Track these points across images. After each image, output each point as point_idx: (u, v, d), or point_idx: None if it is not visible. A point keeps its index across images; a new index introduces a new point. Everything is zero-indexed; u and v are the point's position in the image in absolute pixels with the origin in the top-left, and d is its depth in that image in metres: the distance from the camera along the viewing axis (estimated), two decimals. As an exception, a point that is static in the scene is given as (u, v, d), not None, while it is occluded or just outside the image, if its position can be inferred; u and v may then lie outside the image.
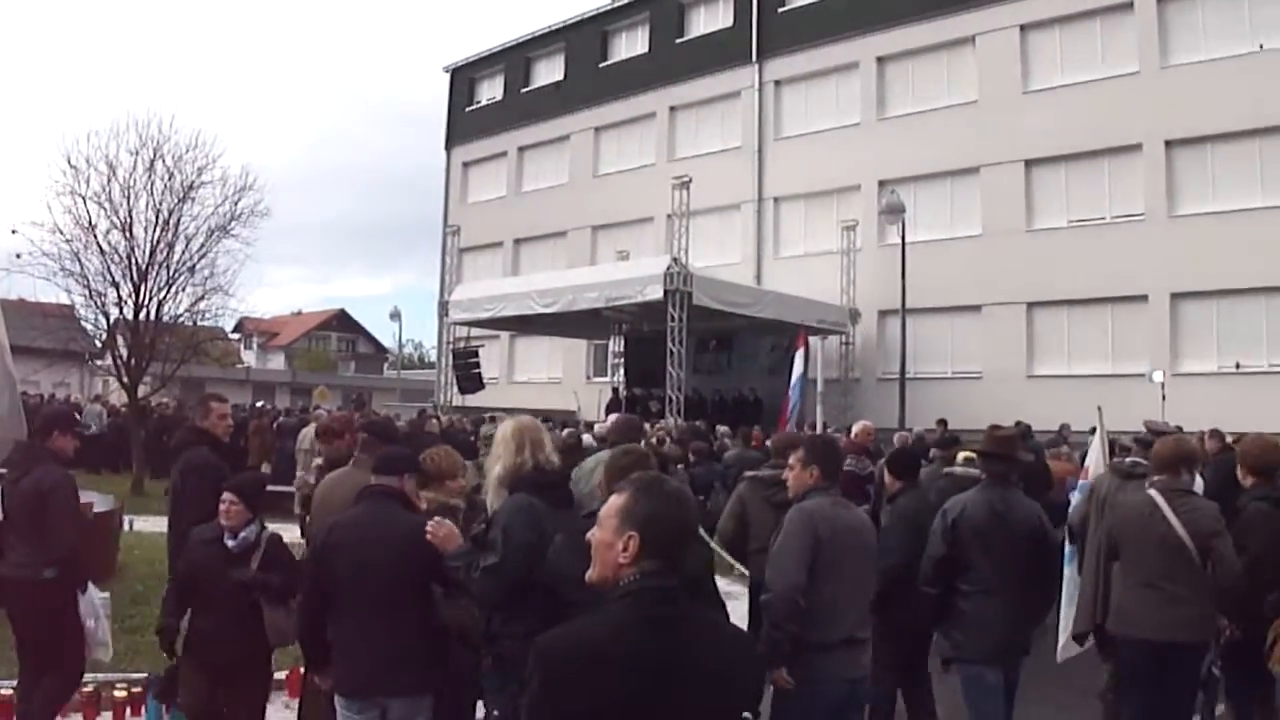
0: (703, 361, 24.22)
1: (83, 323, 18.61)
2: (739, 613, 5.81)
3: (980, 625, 4.85)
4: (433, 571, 3.95)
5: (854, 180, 24.76)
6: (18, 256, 17.44)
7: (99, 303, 17.14)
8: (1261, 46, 19.20)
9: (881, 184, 23.42)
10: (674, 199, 21.59)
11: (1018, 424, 10.93)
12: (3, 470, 5.59)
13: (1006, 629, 4.88)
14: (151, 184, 17.09)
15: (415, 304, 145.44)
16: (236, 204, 17.80)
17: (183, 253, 17.34)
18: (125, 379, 17.21)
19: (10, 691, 5.34)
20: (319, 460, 6.60)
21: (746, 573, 6.96)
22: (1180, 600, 4.71)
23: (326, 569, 3.98)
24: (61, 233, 16.58)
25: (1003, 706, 4.91)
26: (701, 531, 4.18)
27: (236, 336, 49.31)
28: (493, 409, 19.20)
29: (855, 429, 10.67)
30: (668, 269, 18.81)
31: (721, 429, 15.65)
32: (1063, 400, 17.25)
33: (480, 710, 4.36)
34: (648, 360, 22.40)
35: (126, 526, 10.78)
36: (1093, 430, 7.96)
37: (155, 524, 10.44)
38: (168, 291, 17.26)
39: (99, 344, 19.19)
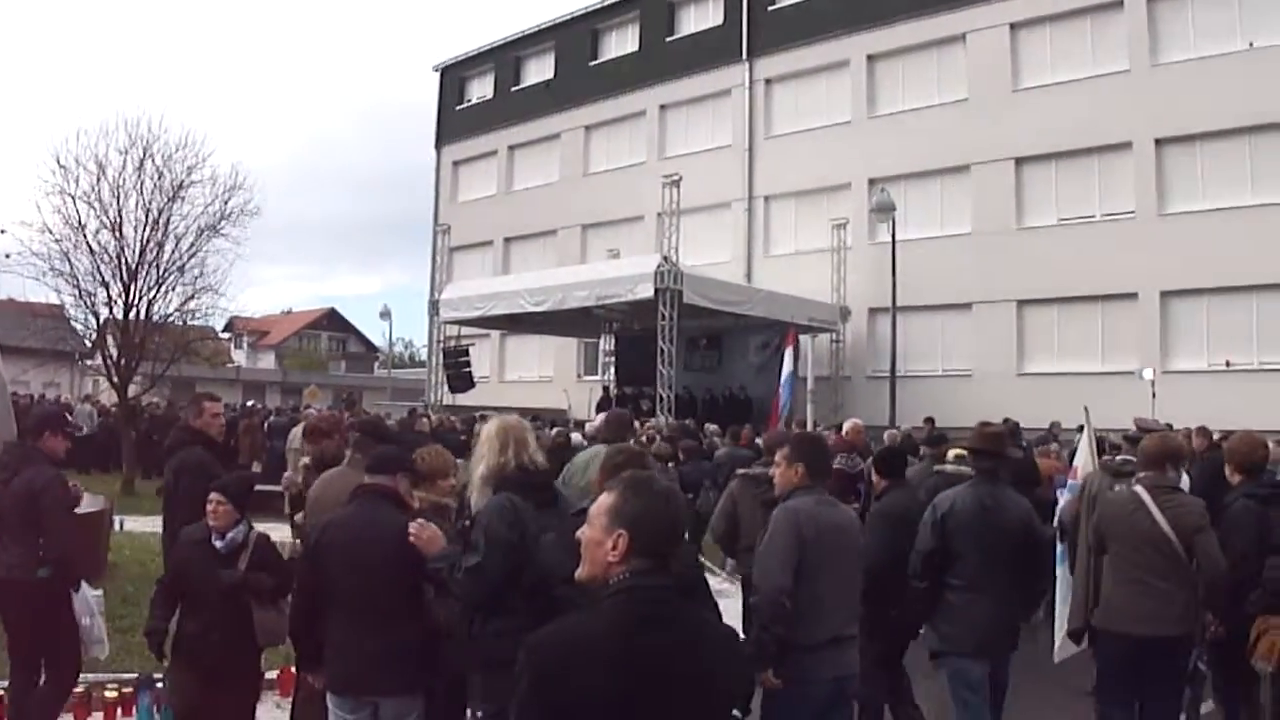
0: (693, 360, 24.19)
1: (72, 322, 18.60)
2: (732, 611, 5.83)
3: (968, 619, 4.89)
4: (425, 571, 3.94)
5: (844, 178, 24.75)
6: (7, 256, 17.50)
7: (89, 302, 17.11)
8: (1251, 45, 19.24)
9: (871, 182, 23.37)
10: (664, 197, 21.61)
11: (1006, 421, 10.98)
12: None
13: (994, 623, 4.91)
14: (141, 183, 17.07)
15: (405, 303, 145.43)
16: (226, 203, 17.78)
17: (172, 252, 17.31)
18: (115, 379, 17.15)
19: (1, 693, 5.32)
20: (306, 460, 6.60)
21: (725, 571, 6.99)
22: (1165, 595, 4.74)
23: (319, 568, 3.98)
24: (51, 232, 16.59)
25: (985, 701, 4.93)
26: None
27: (227, 336, 49.05)
28: (483, 408, 19.16)
29: (846, 427, 10.76)
30: (658, 267, 18.77)
31: (711, 427, 15.66)
32: (1053, 398, 17.26)
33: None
34: (638, 359, 22.35)
35: (117, 526, 10.76)
36: (1080, 429, 8.02)
37: (146, 524, 10.46)
38: (158, 291, 17.25)
39: (89, 344, 19.11)
